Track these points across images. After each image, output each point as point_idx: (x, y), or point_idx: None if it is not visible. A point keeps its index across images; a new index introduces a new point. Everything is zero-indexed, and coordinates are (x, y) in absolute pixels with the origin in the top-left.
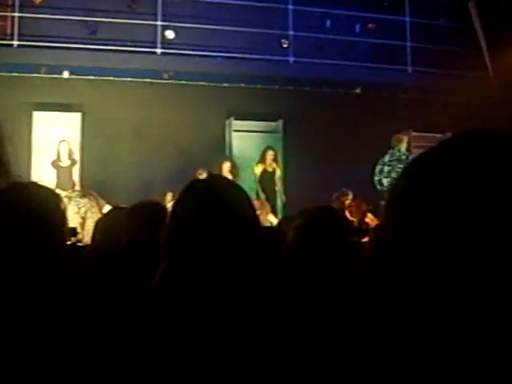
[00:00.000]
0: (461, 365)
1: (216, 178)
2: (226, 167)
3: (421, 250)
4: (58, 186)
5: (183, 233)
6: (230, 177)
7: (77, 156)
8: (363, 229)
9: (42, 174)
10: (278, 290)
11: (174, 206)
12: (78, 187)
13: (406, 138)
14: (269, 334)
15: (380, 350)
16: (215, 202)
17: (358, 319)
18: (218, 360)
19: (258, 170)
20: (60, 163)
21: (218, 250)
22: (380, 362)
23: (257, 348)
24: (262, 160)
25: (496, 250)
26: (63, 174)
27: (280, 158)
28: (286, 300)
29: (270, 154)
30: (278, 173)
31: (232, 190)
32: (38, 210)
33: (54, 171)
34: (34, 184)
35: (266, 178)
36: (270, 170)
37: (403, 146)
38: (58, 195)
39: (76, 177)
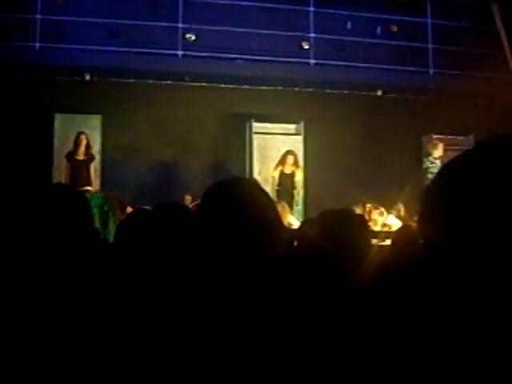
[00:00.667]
0: None
1: (239, 180)
2: None
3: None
4: (71, 183)
5: (207, 234)
6: None
7: (97, 158)
8: (384, 231)
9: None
10: (296, 293)
11: (199, 208)
12: (95, 185)
13: (441, 145)
14: (286, 336)
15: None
16: (238, 203)
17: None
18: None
19: (276, 172)
20: (76, 157)
21: (241, 251)
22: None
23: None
24: (281, 163)
25: None
26: (78, 168)
27: (301, 161)
28: (305, 303)
29: (289, 159)
30: (299, 176)
31: (255, 191)
32: (69, 211)
33: (69, 166)
34: (63, 186)
35: (284, 181)
36: (288, 172)
37: (437, 153)
38: (84, 196)
39: (93, 174)
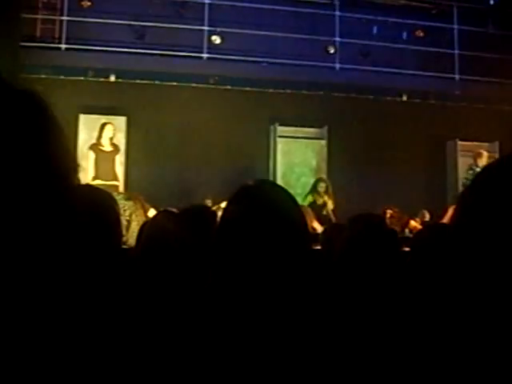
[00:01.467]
0: None
1: (266, 183)
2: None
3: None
4: (96, 176)
5: (232, 236)
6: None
7: (122, 159)
8: (406, 237)
9: (88, 176)
10: (326, 296)
11: (224, 210)
12: (119, 179)
13: (485, 153)
14: (314, 340)
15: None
16: (265, 206)
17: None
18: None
19: (307, 201)
20: (101, 147)
21: (267, 254)
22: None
23: (303, 352)
24: (313, 191)
25: None
26: (103, 160)
27: (324, 165)
28: (333, 306)
29: (321, 187)
30: (330, 205)
31: (281, 195)
32: (98, 213)
33: (93, 157)
34: (91, 186)
35: (315, 210)
36: (319, 202)
37: (481, 162)
38: (113, 198)
39: (118, 169)
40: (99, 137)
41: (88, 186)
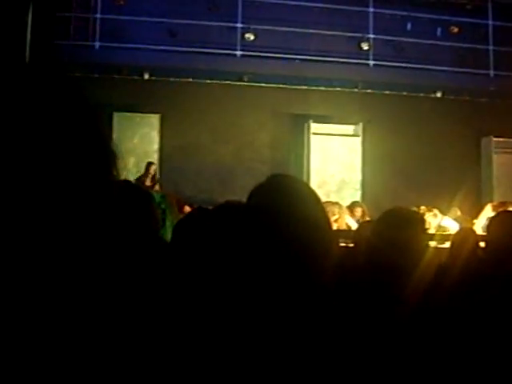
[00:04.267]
0: None
1: (286, 177)
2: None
3: None
4: None
5: (250, 228)
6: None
7: (155, 156)
8: (440, 234)
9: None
10: (348, 291)
11: (243, 207)
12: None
13: None
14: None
15: None
16: (278, 201)
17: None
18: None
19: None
20: (144, 183)
21: (283, 248)
22: None
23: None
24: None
25: None
26: None
27: (358, 162)
28: (354, 299)
29: (357, 211)
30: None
31: (302, 188)
32: (136, 208)
33: None
34: (130, 182)
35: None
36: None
37: None
38: (151, 194)
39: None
40: (145, 174)
41: (126, 181)
